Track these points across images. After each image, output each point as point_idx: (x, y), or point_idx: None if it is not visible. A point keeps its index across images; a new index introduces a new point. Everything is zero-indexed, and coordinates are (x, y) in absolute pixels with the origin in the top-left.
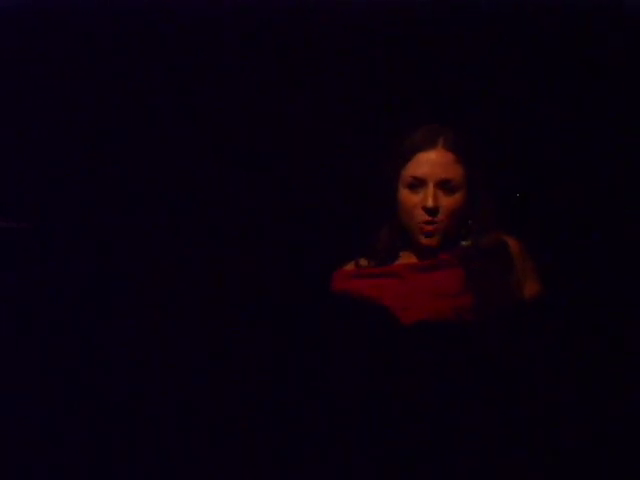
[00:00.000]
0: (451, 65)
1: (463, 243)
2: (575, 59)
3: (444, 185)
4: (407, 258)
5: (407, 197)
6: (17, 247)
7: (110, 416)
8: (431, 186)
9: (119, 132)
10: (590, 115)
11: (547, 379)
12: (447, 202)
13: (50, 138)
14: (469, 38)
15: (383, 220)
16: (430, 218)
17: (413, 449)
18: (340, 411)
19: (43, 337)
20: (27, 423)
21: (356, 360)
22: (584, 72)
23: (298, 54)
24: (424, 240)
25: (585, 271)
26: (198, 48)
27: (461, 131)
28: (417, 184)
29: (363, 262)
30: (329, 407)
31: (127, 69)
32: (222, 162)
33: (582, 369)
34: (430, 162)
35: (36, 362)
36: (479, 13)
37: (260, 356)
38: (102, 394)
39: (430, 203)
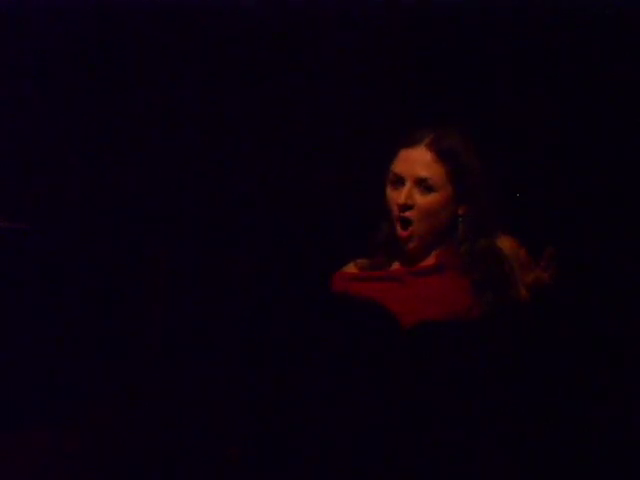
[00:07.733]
0: (452, 66)
1: (460, 250)
2: (575, 59)
3: (421, 184)
4: (403, 262)
5: (389, 194)
6: (17, 247)
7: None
8: (407, 183)
9: (119, 132)
10: (590, 115)
11: (547, 379)
12: (422, 201)
13: (50, 139)
14: (470, 39)
15: (380, 217)
16: (401, 214)
17: (411, 449)
18: (338, 412)
19: (43, 336)
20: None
21: (355, 361)
22: (584, 72)
23: (299, 54)
24: (400, 232)
25: (584, 271)
26: (198, 48)
27: (455, 133)
28: (397, 181)
29: (362, 262)
30: (327, 408)
31: (127, 70)
32: (222, 162)
33: (582, 368)
34: (410, 160)
35: (36, 360)
36: (478, 14)
37: (259, 356)
38: (102, 393)
39: (401, 200)
